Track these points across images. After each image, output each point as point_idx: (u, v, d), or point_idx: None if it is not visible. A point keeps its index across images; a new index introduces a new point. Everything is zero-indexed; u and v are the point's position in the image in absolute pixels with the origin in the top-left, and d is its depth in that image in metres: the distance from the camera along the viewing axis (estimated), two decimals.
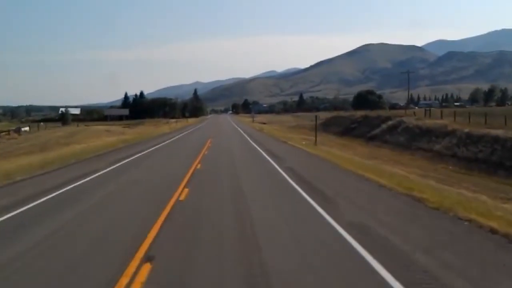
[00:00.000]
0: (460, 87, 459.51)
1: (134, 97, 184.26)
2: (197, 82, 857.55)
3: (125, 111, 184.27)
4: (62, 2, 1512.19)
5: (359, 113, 70.30)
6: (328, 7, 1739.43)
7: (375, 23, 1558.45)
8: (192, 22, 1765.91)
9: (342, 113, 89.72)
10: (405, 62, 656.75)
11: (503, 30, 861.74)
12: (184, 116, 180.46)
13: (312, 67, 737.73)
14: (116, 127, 68.26)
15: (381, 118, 56.21)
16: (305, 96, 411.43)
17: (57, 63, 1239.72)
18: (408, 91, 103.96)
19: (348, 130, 61.58)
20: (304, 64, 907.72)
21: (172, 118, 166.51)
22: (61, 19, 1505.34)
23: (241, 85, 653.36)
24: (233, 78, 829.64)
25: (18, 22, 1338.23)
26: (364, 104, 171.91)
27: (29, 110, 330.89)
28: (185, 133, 58.00)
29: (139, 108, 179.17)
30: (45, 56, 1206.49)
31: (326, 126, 73.66)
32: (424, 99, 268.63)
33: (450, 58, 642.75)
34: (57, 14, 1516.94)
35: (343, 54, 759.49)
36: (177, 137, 48.28)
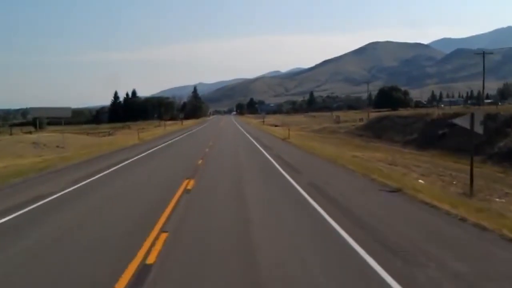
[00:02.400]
0: (470, 85, 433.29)
1: (125, 96, 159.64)
2: (200, 83, 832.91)
3: (68, 113, 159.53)
4: (66, 2, 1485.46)
5: (438, 111, 45.30)
6: (331, 7, 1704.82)
7: (378, 21, 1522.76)
8: (194, 23, 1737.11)
9: (397, 111, 64.04)
10: (412, 60, 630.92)
11: (509, 28, 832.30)
12: (183, 118, 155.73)
13: (317, 66, 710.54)
14: (52, 137, 43.72)
15: (502, 118, 31.24)
16: (308, 96, 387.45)
17: (57, 65, 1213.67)
18: (484, 80, 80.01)
19: (430, 139, 36.58)
20: (308, 64, 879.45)
21: (170, 119, 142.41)
22: (61, 21, 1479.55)
23: (245, 85, 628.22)
24: (237, 79, 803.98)
25: (18, 22, 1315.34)
26: (388, 102, 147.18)
27: (26, 112, 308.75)
28: (159, 146, 33.35)
29: (131, 109, 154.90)
30: (45, 58, 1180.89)
31: (377, 131, 48.82)
32: (447, 96, 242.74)
33: (458, 55, 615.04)
34: (57, 15, 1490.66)
35: (348, 53, 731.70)
36: (132, 159, 23.59)
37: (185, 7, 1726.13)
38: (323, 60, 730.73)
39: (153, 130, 78.65)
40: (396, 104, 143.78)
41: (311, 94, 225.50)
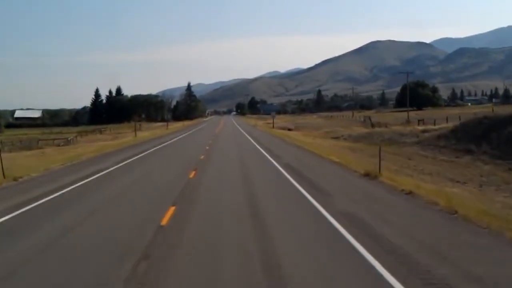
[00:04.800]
0: (475, 84, 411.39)
1: (107, 94, 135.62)
2: (199, 84, 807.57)
3: (38, 113, 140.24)
4: (66, 3, 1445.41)
5: None
6: (330, 7, 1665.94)
7: (377, 22, 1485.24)
8: (191, 24, 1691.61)
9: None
10: (414, 60, 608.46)
11: (510, 27, 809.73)
12: (176, 119, 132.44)
13: (317, 66, 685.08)
14: None
15: None
16: (312, 95, 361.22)
17: (53, 66, 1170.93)
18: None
19: None
20: (308, 64, 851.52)
21: (161, 121, 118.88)
22: (57, 21, 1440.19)
23: (244, 85, 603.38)
24: (236, 79, 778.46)
25: (13, 23, 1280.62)
26: (413, 100, 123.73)
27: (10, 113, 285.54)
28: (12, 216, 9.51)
29: (114, 109, 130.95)
30: (42, 58, 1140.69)
31: (495, 147, 25.08)
32: (469, 94, 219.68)
33: (461, 54, 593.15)
34: (55, 15, 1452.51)
35: (348, 52, 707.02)
36: None
37: (182, 8, 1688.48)
38: (323, 60, 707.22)
39: (123, 137, 55.49)
40: (423, 102, 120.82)
41: (319, 92, 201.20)
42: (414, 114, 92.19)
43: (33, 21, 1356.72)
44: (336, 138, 55.23)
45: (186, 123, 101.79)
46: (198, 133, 55.48)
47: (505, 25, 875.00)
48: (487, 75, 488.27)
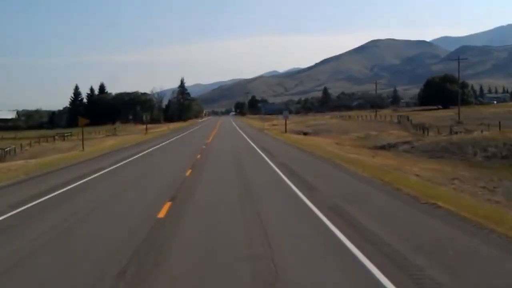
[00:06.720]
0: (479, 82, 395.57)
1: (88, 92, 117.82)
2: (197, 84, 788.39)
3: (13, 113, 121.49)
4: (68, 3, 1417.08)
5: None
6: (328, 7, 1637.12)
7: (376, 21, 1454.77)
8: (189, 23, 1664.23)
9: None
10: (415, 58, 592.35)
11: (510, 26, 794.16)
12: (167, 120, 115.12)
13: (316, 65, 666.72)
14: None
15: None
16: (312, 94, 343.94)
17: (51, 66, 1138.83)
18: None
19: None
20: (307, 64, 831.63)
21: (151, 122, 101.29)
22: (54, 21, 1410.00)
23: (243, 85, 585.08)
24: (234, 79, 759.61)
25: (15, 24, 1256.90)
26: (439, 97, 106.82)
27: None
28: None
29: (97, 109, 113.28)
30: (39, 59, 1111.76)
31: None
32: (489, 91, 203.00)
33: (463, 53, 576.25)
34: (50, 16, 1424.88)
35: (348, 51, 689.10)
36: None
37: (180, 8, 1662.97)
38: (323, 59, 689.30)
39: (85, 146, 38.56)
40: (451, 100, 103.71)
41: (325, 90, 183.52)
42: (452, 114, 75.25)
43: (22, 20, 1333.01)
44: (381, 148, 37.75)
45: (173, 125, 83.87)
46: (181, 142, 37.95)
47: (504, 23, 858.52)
48: (491, 73, 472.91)
